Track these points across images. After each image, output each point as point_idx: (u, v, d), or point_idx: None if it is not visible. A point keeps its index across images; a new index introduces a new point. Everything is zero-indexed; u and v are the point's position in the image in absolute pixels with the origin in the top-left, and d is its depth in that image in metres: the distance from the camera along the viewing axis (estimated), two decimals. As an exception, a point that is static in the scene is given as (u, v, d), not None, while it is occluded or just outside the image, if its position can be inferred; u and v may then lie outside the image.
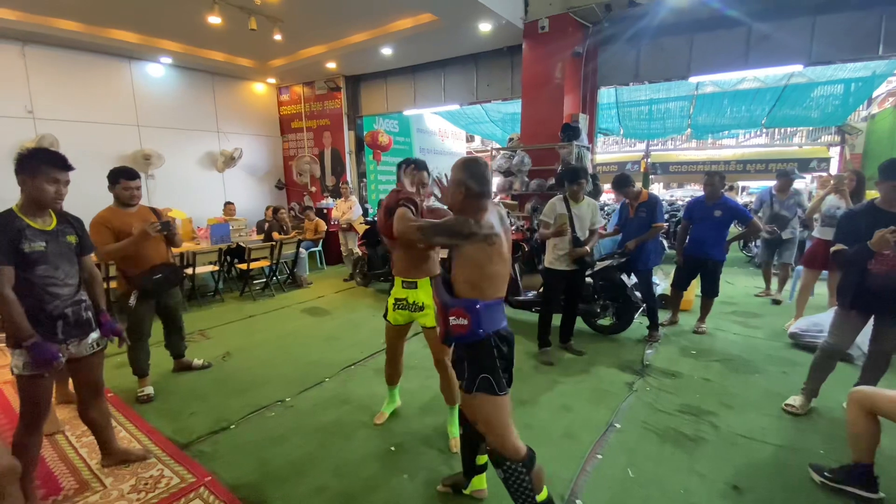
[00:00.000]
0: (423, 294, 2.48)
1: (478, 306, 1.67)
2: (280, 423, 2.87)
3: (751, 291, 5.82)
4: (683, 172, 15.15)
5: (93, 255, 2.31)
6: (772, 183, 5.49)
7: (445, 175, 1.93)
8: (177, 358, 3.62)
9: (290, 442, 2.66)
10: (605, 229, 5.12)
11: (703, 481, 2.25)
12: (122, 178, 3.02)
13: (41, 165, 1.95)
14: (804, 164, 13.59)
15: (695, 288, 4.65)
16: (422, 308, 2.50)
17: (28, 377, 1.95)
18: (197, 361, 3.69)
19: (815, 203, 4.57)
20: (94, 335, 2.22)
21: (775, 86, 7.77)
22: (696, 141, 15.30)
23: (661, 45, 5.93)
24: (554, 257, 3.74)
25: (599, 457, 2.45)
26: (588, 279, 4.19)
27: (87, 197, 3.74)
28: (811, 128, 13.40)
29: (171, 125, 7.94)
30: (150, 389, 3.22)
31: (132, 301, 3.10)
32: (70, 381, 2.70)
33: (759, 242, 7.43)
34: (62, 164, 2.01)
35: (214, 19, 5.51)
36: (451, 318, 1.70)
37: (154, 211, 3.26)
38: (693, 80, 6.48)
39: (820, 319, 3.89)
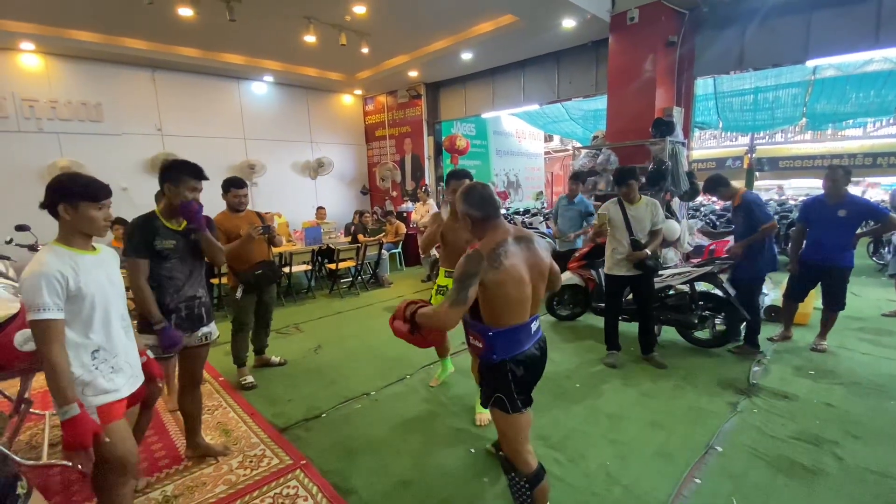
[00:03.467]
0: None
1: (490, 334, 1.67)
2: (366, 416, 3.02)
3: (883, 306, 4.98)
4: (797, 168, 13.41)
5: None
6: None
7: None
8: (258, 353, 3.86)
9: (375, 434, 2.78)
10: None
11: (827, 521, 1.97)
12: (233, 187, 3.41)
13: (183, 176, 2.21)
14: (956, 156, 11.41)
15: (813, 299, 4.10)
16: None
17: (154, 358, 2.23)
18: (274, 359, 3.92)
19: None
20: (205, 329, 2.40)
21: (912, 66, 6.60)
22: (811, 132, 13.48)
23: (771, 27, 5.30)
24: (613, 262, 3.57)
25: (698, 481, 2.25)
26: (683, 287, 3.88)
27: (205, 202, 4.22)
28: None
29: (271, 137, 8.74)
30: (250, 378, 3.53)
31: (238, 293, 3.47)
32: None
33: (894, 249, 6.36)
34: (200, 175, 2.27)
35: (310, 38, 5.96)
36: (469, 337, 1.82)
37: (258, 215, 3.61)
38: (810, 63, 5.71)
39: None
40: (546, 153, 15.49)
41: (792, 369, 3.48)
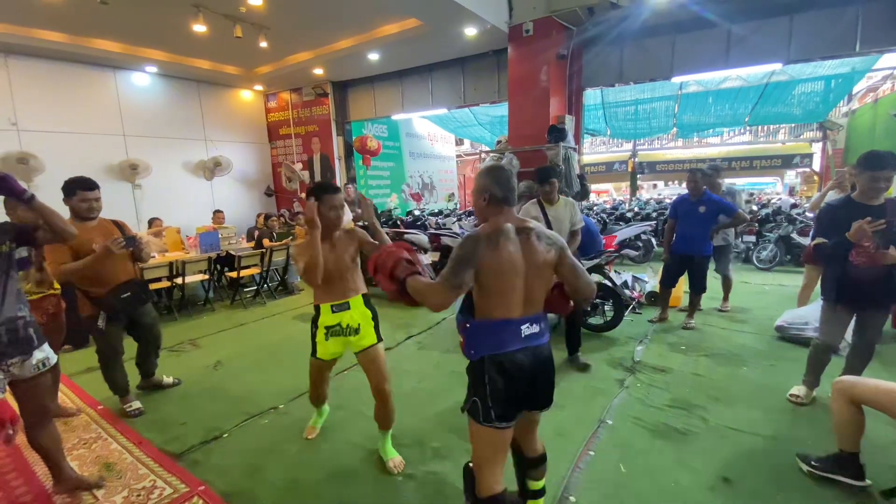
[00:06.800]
0: (358, 313, 2.33)
1: (468, 325, 1.60)
2: (273, 431, 2.86)
3: (737, 288, 5.83)
4: (670, 171, 15.39)
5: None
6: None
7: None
8: (146, 377, 3.42)
9: (283, 449, 2.65)
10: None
11: (694, 474, 2.28)
12: (79, 188, 2.78)
13: None
14: (788, 160, 13.86)
15: (683, 284, 4.71)
16: (357, 330, 2.30)
17: None
18: (167, 379, 3.49)
19: (816, 200, 4.68)
20: (40, 355, 2.04)
21: (758, 84, 7.93)
22: (682, 140, 15.53)
23: (644, 47, 6.02)
24: None
25: (592, 453, 2.48)
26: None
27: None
28: (794, 124, 13.67)
29: (158, 134, 7.90)
30: (136, 403, 3.13)
31: (101, 323, 2.91)
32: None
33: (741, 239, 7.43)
34: None
35: (199, 27, 5.50)
36: (459, 331, 1.70)
37: (117, 224, 3.04)
38: (676, 79, 6.60)
39: (805, 312, 3.97)
40: (458, 156, 15.93)
41: (667, 346, 3.98)
